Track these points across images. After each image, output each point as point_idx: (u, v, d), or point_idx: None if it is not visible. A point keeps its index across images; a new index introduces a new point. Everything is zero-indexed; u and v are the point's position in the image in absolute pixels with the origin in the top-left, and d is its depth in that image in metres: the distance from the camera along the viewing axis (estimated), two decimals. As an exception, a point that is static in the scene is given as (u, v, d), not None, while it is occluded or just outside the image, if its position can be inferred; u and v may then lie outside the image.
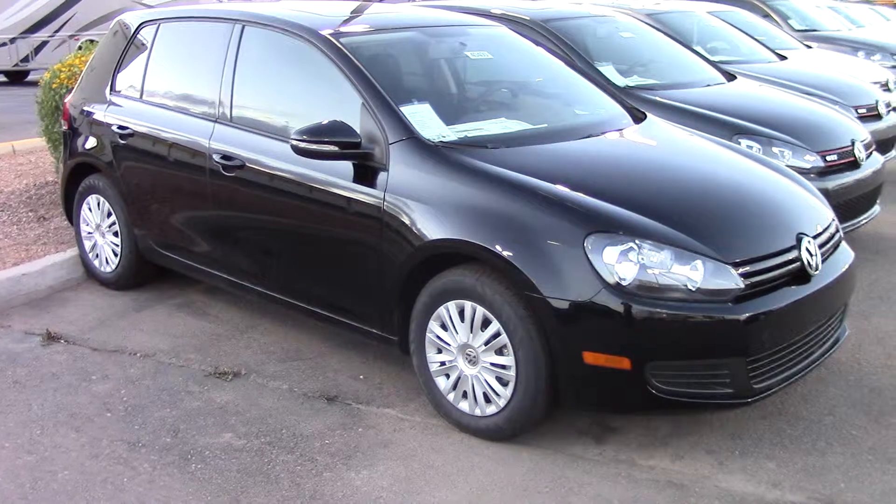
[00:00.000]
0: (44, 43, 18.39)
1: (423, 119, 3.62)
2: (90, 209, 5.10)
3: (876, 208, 5.58)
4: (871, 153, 5.58)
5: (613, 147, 3.91)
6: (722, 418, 3.47)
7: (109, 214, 4.96)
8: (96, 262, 5.13)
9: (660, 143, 4.06)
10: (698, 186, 3.55)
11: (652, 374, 3.01)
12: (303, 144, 3.54)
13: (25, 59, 18.79)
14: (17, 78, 19.97)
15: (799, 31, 11.45)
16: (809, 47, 9.71)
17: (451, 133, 3.63)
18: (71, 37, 17.97)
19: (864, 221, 5.41)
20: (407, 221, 3.41)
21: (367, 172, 3.56)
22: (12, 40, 18.69)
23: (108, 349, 4.26)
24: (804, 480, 3.07)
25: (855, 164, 5.34)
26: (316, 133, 3.52)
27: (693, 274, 3.01)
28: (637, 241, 3.02)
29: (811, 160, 5.16)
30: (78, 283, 5.20)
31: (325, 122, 3.55)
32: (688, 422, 3.45)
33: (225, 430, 3.46)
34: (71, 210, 5.31)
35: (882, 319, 4.45)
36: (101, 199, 4.99)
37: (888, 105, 7.15)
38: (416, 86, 4.17)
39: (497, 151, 3.52)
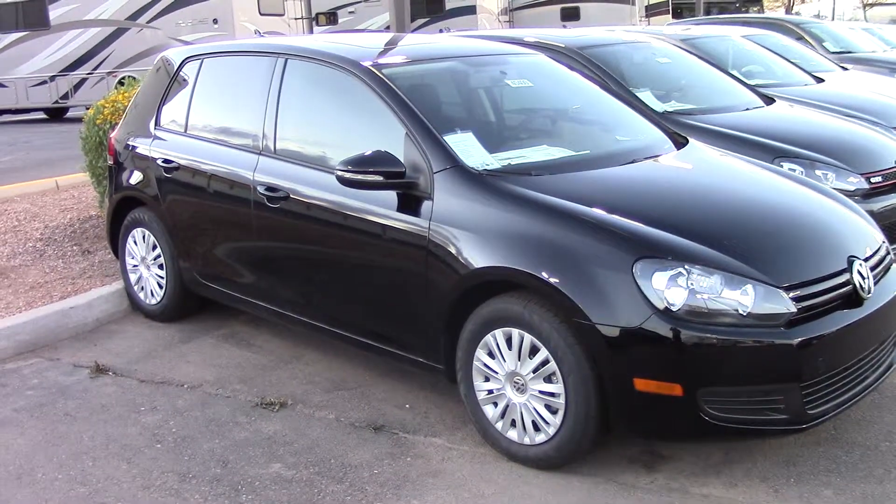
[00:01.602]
0: (83, 80, 18.78)
1: (467, 148, 3.64)
2: (135, 242, 5.17)
3: (922, 229, 5.49)
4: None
5: (658, 172, 3.90)
6: (775, 445, 3.41)
7: (154, 247, 5.03)
8: (141, 295, 5.19)
9: (704, 168, 4.05)
10: (746, 210, 3.52)
11: (704, 401, 2.97)
12: (348, 175, 3.57)
13: (65, 97, 19.21)
14: (56, 115, 20.40)
15: (834, 53, 11.38)
16: (845, 69, 9.64)
17: (494, 161, 3.64)
18: (109, 74, 18.34)
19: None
20: (453, 250, 3.41)
21: (411, 201, 3.58)
22: (52, 78, 19.12)
23: (155, 381, 4.30)
24: (863, 508, 3.01)
25: (901, 186, 5.27)
26: (360, 163, 3.55)
27: (744, 299, 2.98)
28: (686, 266, 3.00)
29: (855, 182, 5.10)
30: (124, 316, 5.27)
31: (370, 152, 3.58)
32: (740, 448, 3.40)
33: (274, 461, 3.46)
34: (116, 243, 5.39)
35: (934, 343, 4.36)
36: (147, 232, 5.06)
37: (929, 125, 7.06)
38: (459, 115, 4.20)
39: (541, 178, 3.53)
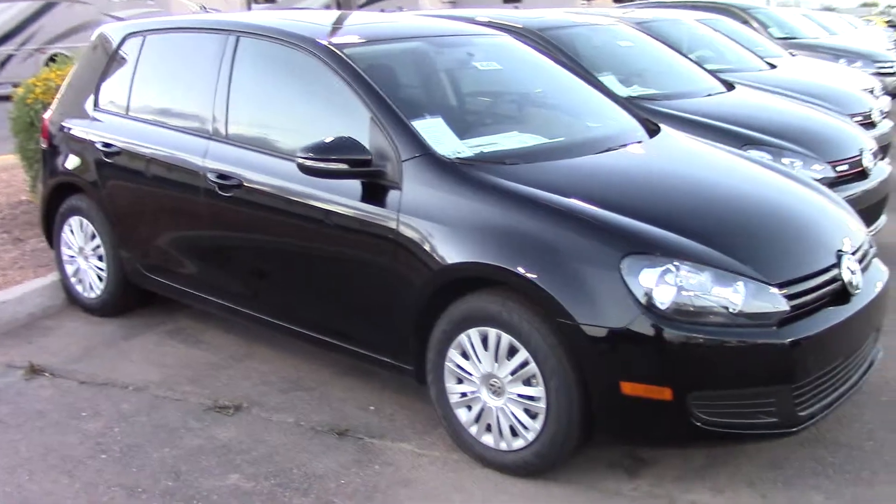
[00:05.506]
0: (9, 56, 17.94)
1: (437, 134, 3.41)
2: (72, 231, 4.82)
3: (883, 219, 5.44)
4: (877, 163, 5.45)
5: (636, 161, 3.72)
6: (758, 447, 3.27)
7: (93, 237, 4.69)
8: (79, 288, 4.85)
9: (682, 157, 3.89)
10: (733, 203, 3.36)
11: (695, 405, 2.81)
12: (309, 163, 3.31)
13: (-9, 74, 18.32)
14: (-19, 93, 19.49)
15: (779, 38, 11.37)
16: (794, 55, 9.63)
17: (466, 149, 3.42)
18: (38, 50, 17.55)
19: (872, 233, 5.26)
20: (423, 244, 3.19)
21: (378, 191, 3.34)
22: (-24, 55, 18.23)
23: (96, 382, 3.99)
24: (856, 514, 2.89)
25: (863, 174, 5.21)
26: (323, 150, 3.30)
27: (734, 297, 2.82)
28: (675, 263, 2.83)
29: (821, 170, 4.99)
30: (60, 310, 4.92)
31: (333, 138, 3.33)
32: (723, 452, 3.26)
33: (231, 471, 3.21)
34: (51, 232, 5.02)
35: (904, 335, 4.29)
36: (85, 220, 4.72)
37: (881, 112, 7.05)
38: (427, 99, 3.96)
39: (516, 167, 3.32)
